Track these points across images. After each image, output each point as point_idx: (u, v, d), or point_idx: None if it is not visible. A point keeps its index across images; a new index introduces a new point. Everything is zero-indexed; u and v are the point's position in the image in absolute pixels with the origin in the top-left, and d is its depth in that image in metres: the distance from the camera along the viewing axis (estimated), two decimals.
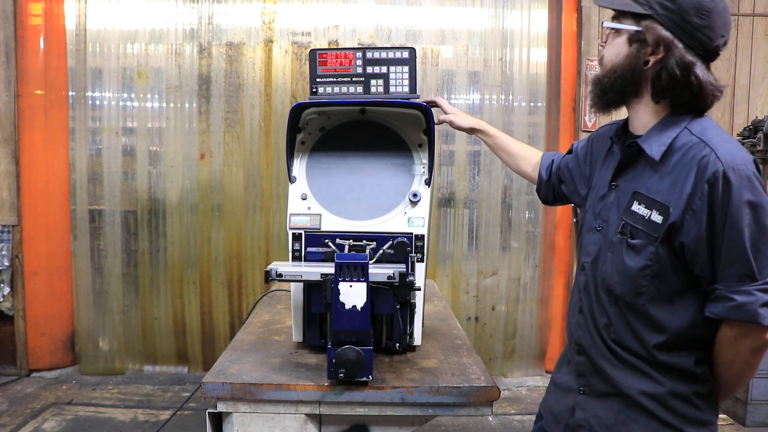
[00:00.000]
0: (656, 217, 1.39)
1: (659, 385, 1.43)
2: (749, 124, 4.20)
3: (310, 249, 2.01)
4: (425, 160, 2.06)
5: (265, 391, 1.75)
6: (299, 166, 2.09)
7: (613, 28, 1.49)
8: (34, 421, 3.79)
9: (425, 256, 2.00)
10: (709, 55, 1.43)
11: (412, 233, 1.98)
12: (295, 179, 2.07)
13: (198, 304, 4.66)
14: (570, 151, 1.86)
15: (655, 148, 1.42)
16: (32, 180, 4.49)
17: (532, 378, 4.79)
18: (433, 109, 2.06)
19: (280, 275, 1.80)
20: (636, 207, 1.44)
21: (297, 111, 2.02)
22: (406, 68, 2.08)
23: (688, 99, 1.42)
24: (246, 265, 4.66)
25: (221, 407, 1.76)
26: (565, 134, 4.62)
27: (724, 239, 1.32)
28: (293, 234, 2.01)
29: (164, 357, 4.71)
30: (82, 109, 4.52)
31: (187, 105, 4.54)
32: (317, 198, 2.06)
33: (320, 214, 2.02)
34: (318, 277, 1.76)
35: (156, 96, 4.55)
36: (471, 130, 2.15)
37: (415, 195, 2.01)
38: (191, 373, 4.71)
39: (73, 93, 4.52)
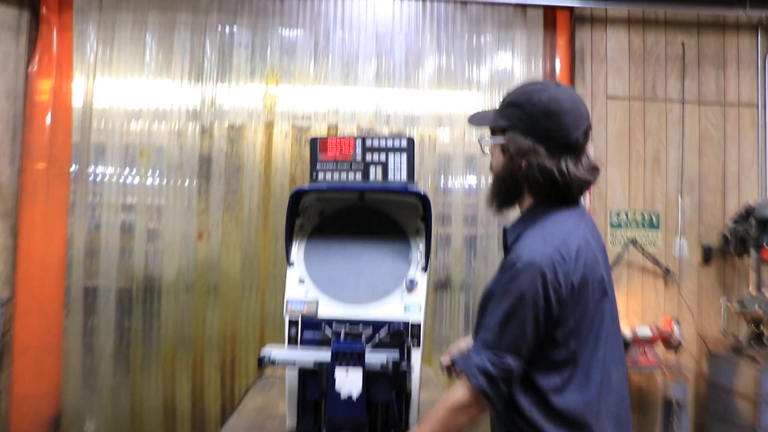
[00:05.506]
0: None
1: None
2: (741, 209, 4.27)
3: (306, 334, 2.00)
4: (422, 247, 2.08)
5: None
6: (297, 251, 2.11)
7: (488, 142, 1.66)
8: None
9: (421, 343, 1.99)
10: (573, 147, 1.51)
11: (408, 320, 1.97)
12: (293, 263, 2.09)
13: (190, 386, 4.54)
14: None
15: (510, 238, 1.59)
16: (29, 254, 4.46)
17: None
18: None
19: (273, 361, 1.78)
20: None
21: (297, 196, 2.06)
22: (404, 156, 2.13)
23: (557, 194, 1.53)
24: (240, 347, 4.57)
25: None
26: None
27: None
28: (290, 320, 2.00)
29: None
30: (84, 184, 4.55)
31: (187, 184, 4.60)
32: (315, 282, 2.06)
33: (317, 301, 2.02)
34: (312, 365, 1.74)
35: (157, 174, 4.60)
36: None
37: (411, 282, 2.02)
38: None
39: (76, 168, 4.56)
